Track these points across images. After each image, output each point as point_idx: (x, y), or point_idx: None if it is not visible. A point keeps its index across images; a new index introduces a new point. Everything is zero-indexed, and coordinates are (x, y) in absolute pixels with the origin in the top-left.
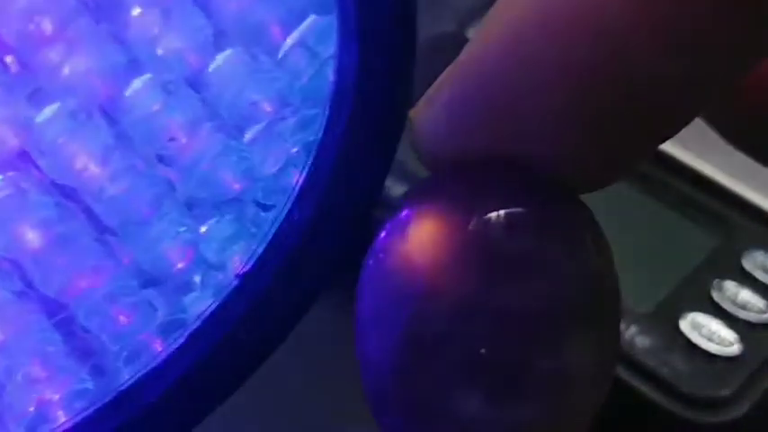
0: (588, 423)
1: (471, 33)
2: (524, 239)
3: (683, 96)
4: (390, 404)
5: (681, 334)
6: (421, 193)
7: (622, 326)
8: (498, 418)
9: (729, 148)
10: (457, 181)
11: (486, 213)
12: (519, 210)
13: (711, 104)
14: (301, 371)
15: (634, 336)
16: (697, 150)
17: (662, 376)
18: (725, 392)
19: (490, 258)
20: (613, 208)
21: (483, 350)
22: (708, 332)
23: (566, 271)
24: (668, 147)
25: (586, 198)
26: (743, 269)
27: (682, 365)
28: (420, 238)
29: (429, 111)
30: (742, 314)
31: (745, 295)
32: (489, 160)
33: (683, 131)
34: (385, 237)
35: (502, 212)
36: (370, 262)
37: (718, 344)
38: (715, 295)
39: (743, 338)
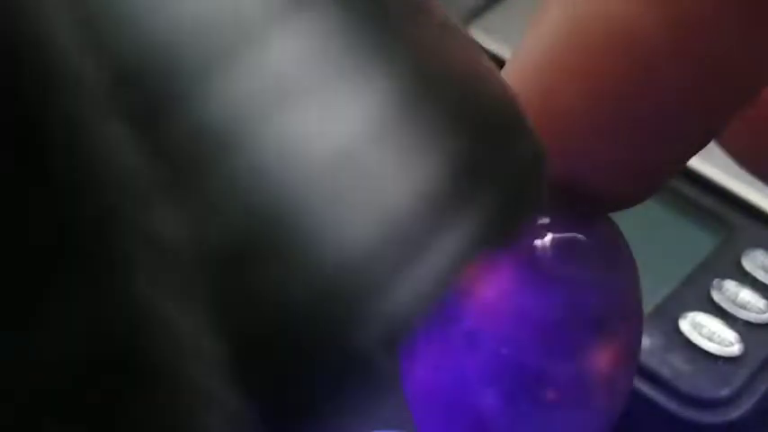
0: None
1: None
2: (554, 253)
3: (708, 117)
4: (422, 398)
5: (681, 334)
6: None
7: None
8: (516, 416)
9: None
10: None
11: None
12: (551, 224)
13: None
14: None
15: None
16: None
17: (662, 376)
18: (725, 392)
19: (519, 268)
20: None
21: (504, 351)
22: (708, 332)
23: (591, 284)
24: None
25: None
26: (743, 269)
27: (682, 365)
28: None
29: None
30: (742, 314)
31: (746, 295)
32: None
33: None
34: None
35: (535, 226)
36: None
37: (718, 344)
38: (715, 295)
39: (743, 338)
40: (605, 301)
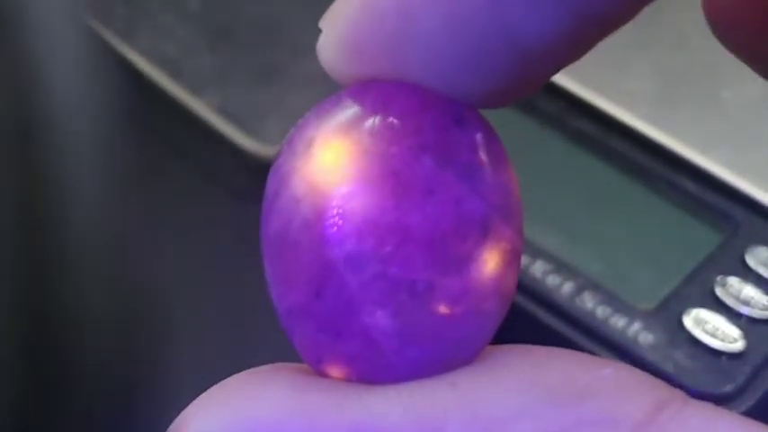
0: (492, 334)
1: None
2: (426, 161)
3: (555, 38)
4: (301, 322)
5: (684, 330)
6: (323, 115)
7: (626, 322)
8: (407, 333)
9: (734, 145)
10: (360, 103)
11: (389, 136)
12: (420, 130)
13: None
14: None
15: (638, 332)
16: (701, 146)
17: (665, 372)
18: (729, 388)
19: (394, 180)
20: (617, 204)
21: (392, 270)
22: (711, 328)
23: (472, 190)
24: (672, 143)
25: (583, 191)
26: (746, 265)
27: (685, 362)
28: (324, 162)
29: (331, 31)
30: (745, 310)
31: (749, 291)
32: (392, 81)
33: (687, 128)
34: (288, 159)
35: (404, 134)
36: (274, 184)
37: (721, 340)
38: (719, 291)
39: (746, 334)
40: (488, 203)
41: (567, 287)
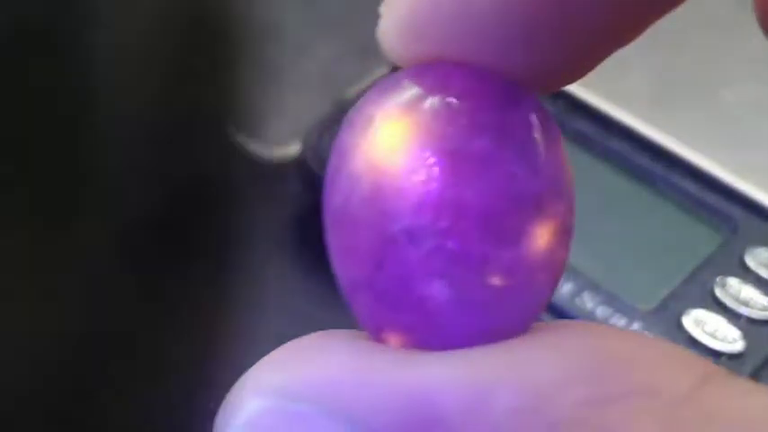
0: (542, 308)
1: None
2: (482, 139)
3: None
4: (362, 293)
5: (684, 330)
6: (383, 94)
7: (626, 322)
8: (462, 304)
9: (734, 145)
10: (419, 83)
11: (447, 115)
12: (477, 110)
13: None
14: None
15: (637, 332)
16: (701, 147)
17: None
18: None
19: (451, 158)
20: (617, 205)
21: (449, 243)
22: (711, 329)
23: (527, 165)
24: (672, 143)
25: (583, 191)
26: (746, 266)
27: None
28: (384, 139)
29: (390, 15)
30: (745, 311)
31: (748, 292)
32: (451, 62)
33: (687, 128)
34: (349, 136)
35: (461, 113)
36: (335, 159)
37: (721, 340)
38: (718, 292)
39: (746, 335)
40: (541, 180)
41: (567, 287)
